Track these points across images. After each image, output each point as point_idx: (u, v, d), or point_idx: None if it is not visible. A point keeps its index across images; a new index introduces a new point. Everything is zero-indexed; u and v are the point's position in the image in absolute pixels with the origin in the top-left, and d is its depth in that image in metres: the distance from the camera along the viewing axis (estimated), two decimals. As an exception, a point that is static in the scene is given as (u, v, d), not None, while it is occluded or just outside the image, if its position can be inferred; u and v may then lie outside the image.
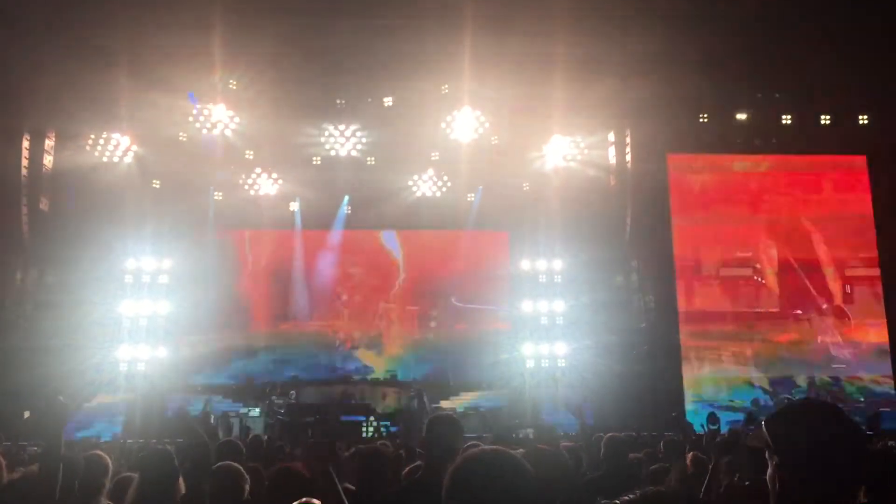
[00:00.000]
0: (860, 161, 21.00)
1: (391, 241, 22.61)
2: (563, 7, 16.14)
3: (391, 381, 20.94)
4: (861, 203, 20.90)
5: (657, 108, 19.49)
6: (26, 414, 16.86)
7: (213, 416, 17.74)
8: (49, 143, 19.82)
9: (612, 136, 21.16)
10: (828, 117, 20.54)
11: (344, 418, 18.56)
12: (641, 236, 20.48)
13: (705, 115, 20.44)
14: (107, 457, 4.61)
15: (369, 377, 21.46)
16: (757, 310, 20.38)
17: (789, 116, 20.51)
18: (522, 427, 16.25)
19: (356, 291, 22.92)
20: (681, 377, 19.66)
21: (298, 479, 4.24)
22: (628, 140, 20.68)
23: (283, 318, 22.57)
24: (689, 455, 6.20)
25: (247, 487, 3.99)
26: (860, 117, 20.65)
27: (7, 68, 17.75)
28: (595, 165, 21.15)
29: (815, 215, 20.87)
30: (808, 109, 20.56)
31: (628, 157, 20.64)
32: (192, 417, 17.27)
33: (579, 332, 20.29)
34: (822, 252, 20.67)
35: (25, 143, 19.26)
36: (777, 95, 20.14)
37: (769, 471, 2.15)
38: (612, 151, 21.17)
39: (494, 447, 2.10)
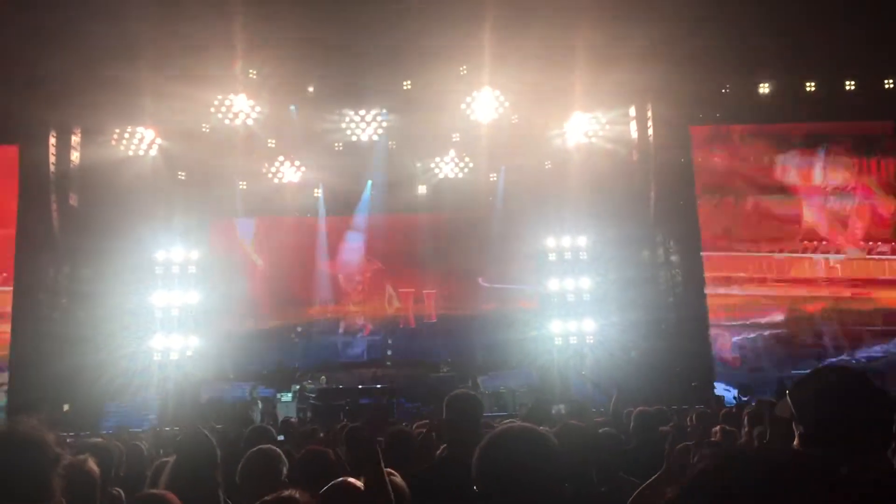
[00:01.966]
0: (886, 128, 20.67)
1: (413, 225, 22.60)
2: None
3: (420, 363, 21.09)
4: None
5: (678, 81, 19.26)
6: (66, 407, 17.21)
7: (259, 403, 18.04)
8: (75, 138, 20.05)
9: (633, 111, 20.96)
10: (852, 83, 20.17)
11: (374, 400, 18.72)
12: (666, 210, 20.33)
13: (728, 86, 20.16)
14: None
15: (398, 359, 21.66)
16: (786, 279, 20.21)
17: (813, 84, 20.15)
18: (555, 403, 16.30)
19: (377, 275, 23.07)
20: (710, 350, 19.57)
21: (324, 459, 4.32)
22: (650, 114, 20.49)
23: (310, 303, 22.77)
24: (717, 428, 6.21)
25: (284, 470, 4.07)
26: (886, 82, 20.24)
27: (31, 66, 17.96)
28: (617, 141, 20.99)
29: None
30: (832, 76, 20.19)
31: (650, 132, 20.45)
32: (232, 404, 17.54)
33: (606, 308, 20.26)
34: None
35: (52, 140, 19.52)
36: (800, 63, 19.75)
37: (795, 441, 2.13)
38: (633, 126, 20.99)
39: (522, 424, 2.13)
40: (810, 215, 20.36)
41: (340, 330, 22.67)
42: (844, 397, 2.03)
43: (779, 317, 19.95)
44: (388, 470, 3.83)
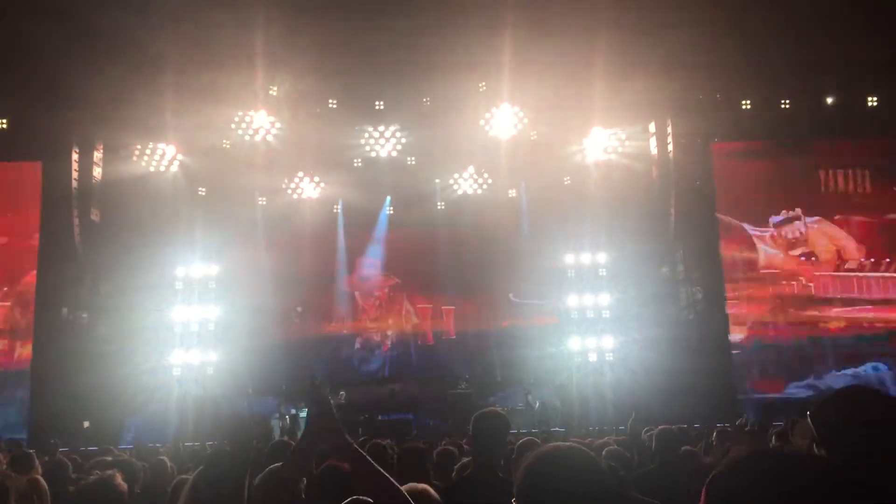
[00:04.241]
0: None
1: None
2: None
3: (438, 379, 21.03)
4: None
5: (698, 98, 19.21)
6: (86, 424, 17.26)
7: (287, 419, 18.05)
8: (98, 154, 20.25)
9: (652, 127, 20.90)
10: (875, 99, 19.98)
11: (392, 417, 18.69)
12: (686, 227, 20.21)
13: (748, 102, 20.05)
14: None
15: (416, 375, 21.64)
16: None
17: (834, 99, 20.00)
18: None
19: (395, 291, 23.09)
20: (731, 368, 19.37)
21: (344, 476, 4.28)
22: (669, 130, 20.41)
23: (329, 319, 22.81)
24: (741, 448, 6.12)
25: (302, 486, 4.04)
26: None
27: (55, 82, 18.20)
28: (636, 157, 20.93)
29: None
30: (853, 91, 20.03)
31: (670, 148, 20.37)
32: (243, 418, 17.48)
33: (626, 325, 20.13)
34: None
35: (75, 156, 19.72)
36: (820, 78, 19.61)
37: None
38: (653, 142, 20.92)
39: (570, 444, 2.08)
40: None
41: (357, 346, 22.67)
42: (867, 416, 1.98)
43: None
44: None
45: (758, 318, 19.90)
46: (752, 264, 20.23)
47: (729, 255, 20.23)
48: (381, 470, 2.42)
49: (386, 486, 2.39)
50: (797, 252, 20.21)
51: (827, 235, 20.23)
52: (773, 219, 20.31)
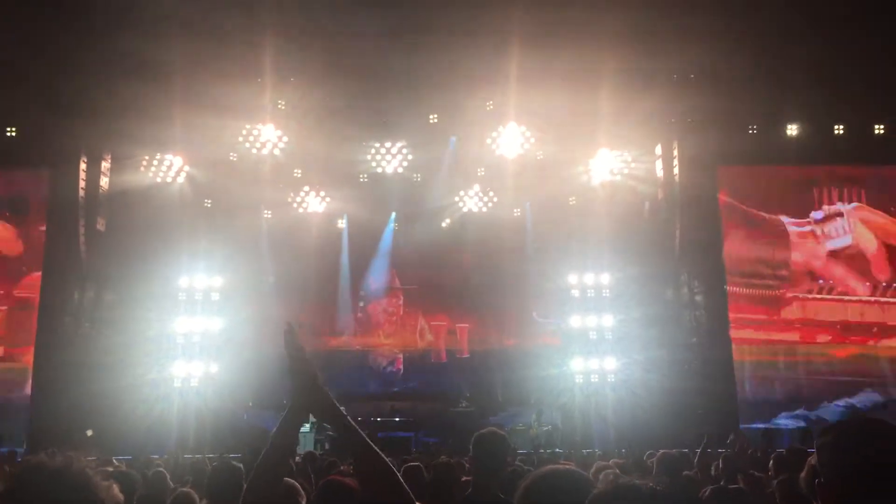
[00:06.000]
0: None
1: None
2: (611, 21, 16.08)
3: (440, 397, 20.96)
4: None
5: (705, 121, 19.24)
6: (89, 432, 17.19)
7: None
8: (105, 164, 20.31)
9: (659, 150, 20.93)
10: (882, 127, 19.98)
11: (391, 435, 18.59)
12: (691, 250, 20.17)
13: (755, 127, 20.06)
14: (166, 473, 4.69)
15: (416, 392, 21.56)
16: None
17: (842, 127, 20.00)
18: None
19: (403, 308, 23.04)
20: (734, 393, 19.27)
21: (345, 491, 4.25)
22: (675, 153, 20.43)
23: (332, 334, 22.75)
24: (741, 476, 6.08)
25: (302, 502, 4.01)
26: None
27: (64, 93, 18.31)
28: (642, 179, 20.96)
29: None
30: (861, 119, 20.04)
31: (676, 170, 20.37)
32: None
33: (629, 347, 20.07)
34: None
35: (83, 166, 19.79)
36: (829, 105, 19.61)
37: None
38: (659, 164, 20.95)
39: (566, 467, 2.10)
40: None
41: (370, 363, 22.58)
42: (867, 448, 1.93)
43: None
44: None
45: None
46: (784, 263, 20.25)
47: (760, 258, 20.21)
48: (398, 479, 2.30)
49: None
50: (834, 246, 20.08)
51: (869, 226, 20.08)
52: (814, 214, 20.30)
